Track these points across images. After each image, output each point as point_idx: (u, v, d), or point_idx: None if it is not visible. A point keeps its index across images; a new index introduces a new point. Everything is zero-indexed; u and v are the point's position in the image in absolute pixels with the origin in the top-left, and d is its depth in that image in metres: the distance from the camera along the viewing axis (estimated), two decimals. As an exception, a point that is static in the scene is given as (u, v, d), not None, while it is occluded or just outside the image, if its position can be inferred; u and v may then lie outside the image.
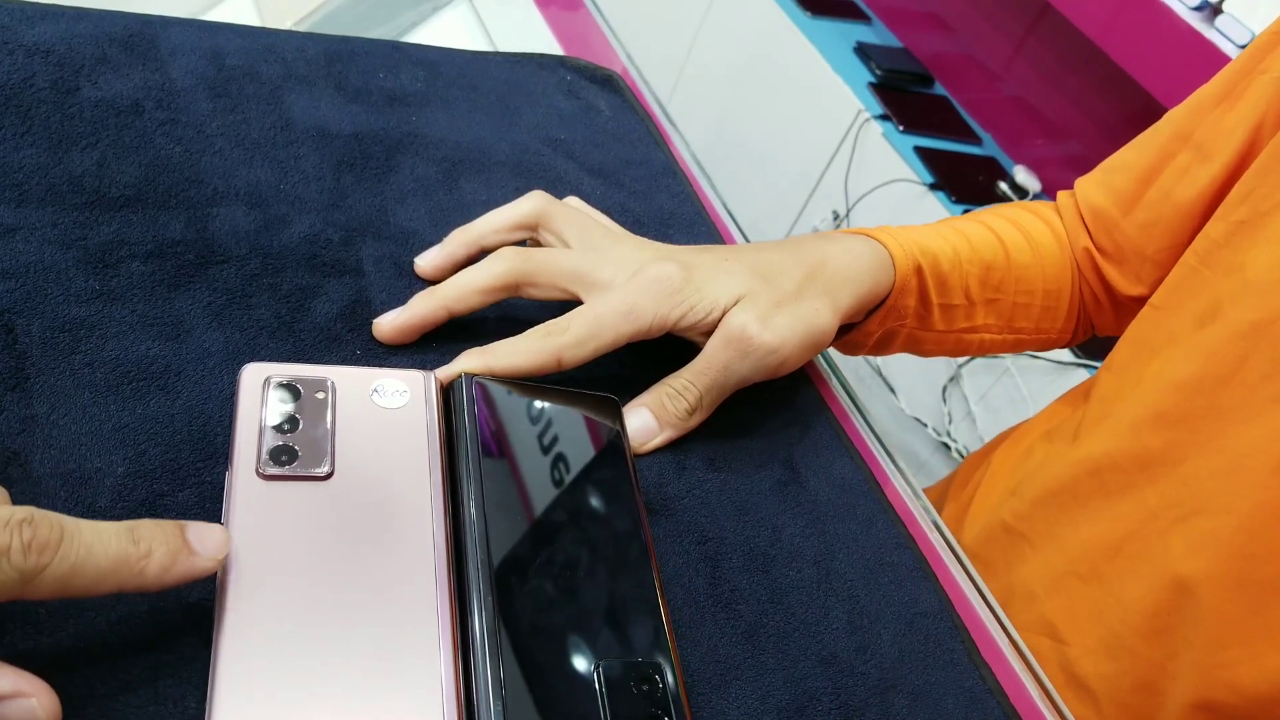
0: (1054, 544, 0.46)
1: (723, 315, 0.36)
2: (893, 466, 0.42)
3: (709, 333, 0.37)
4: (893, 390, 1.54)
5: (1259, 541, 0.38)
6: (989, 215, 0.52)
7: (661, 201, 0.49)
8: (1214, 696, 0.39)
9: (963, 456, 1.43)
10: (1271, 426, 0.38)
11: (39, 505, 0.26)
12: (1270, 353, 0.39)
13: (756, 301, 0.37)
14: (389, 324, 0.35)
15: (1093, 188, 0.52)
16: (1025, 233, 0.51)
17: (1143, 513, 0.42)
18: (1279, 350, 0.39)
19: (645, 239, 0.40)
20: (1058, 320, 0.52)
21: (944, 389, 1.45)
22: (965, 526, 0.51)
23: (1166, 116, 0.50)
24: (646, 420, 0.36)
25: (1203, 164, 0.46)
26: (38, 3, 0.41)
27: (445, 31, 0.69)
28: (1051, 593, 0.45)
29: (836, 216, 1.60)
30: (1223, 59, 1.11)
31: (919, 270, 0.45)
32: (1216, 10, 1.15)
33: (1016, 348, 0.53)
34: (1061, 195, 0.55)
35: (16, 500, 0.26)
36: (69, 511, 0.26)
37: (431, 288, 0.36)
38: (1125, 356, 0.47)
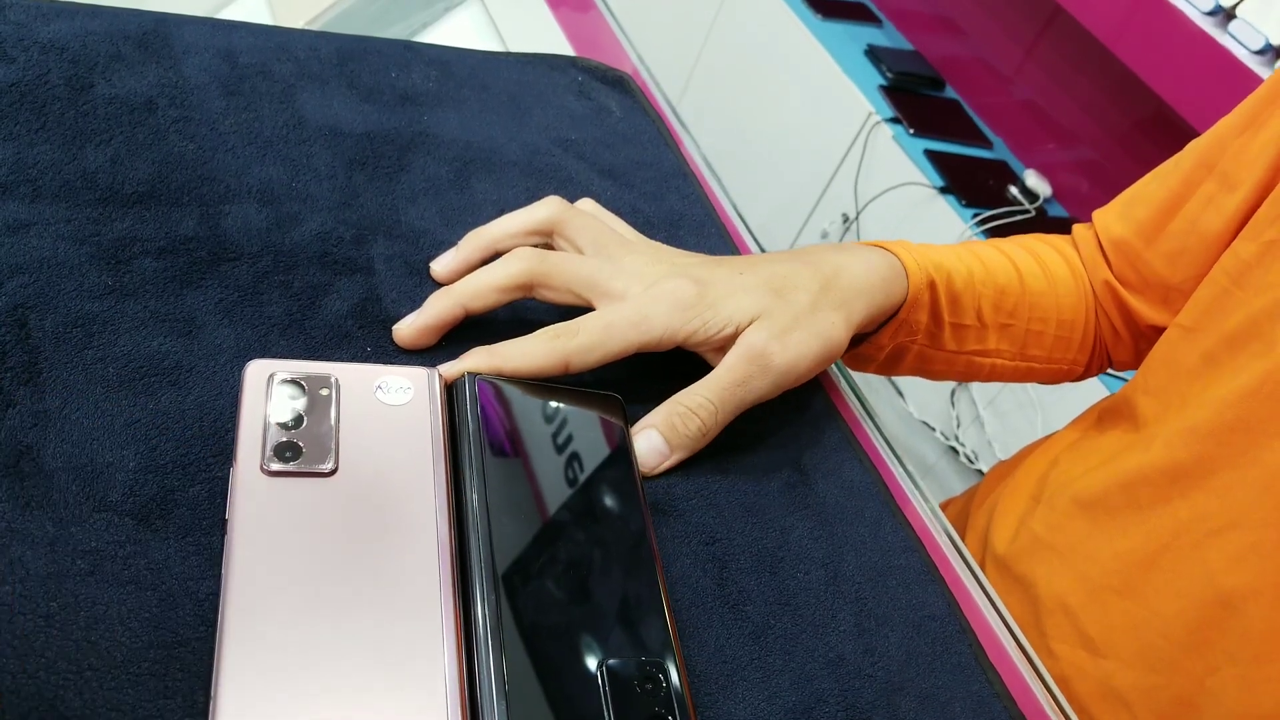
0: (1087, 557, 0.45)
1: (736, 332, 0.36)
2: (901, 470, 0.42)
3: (721, 349, 0.37)
4: (901, 394, 1.54)
5: None
6: (1005, 243, 0.52)
7: (672, 203, 0.49)
8: (1259, 711, 0.39)
9: (971, 461, 1.43)
10: None
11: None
12: None
13: (774, 319, 0.37)
14: (408, 327, 0.35)
15: (1113, 219, 0.52)
16: (1041, 262, 0.51)
17: (1175, 526, 0.42)
18: None
19: (659, 246, 0.40)
20: (1070, 351, 0.52)
21: (952, 393, 1.45)
22: (993, 535, 0.51)
23: (1188, 147, 0.50)
24: (656, 443, 0.35)
25: (1228, 193, 0.46)
26: (53, 0, 0.42)
27: (457, 31, 0.69)
28: (1086, 605, 0.45)
29: (846, 219, 1.59)
30: (1236, 64, 1.11)
31: (932, 285, 0.45)
32: (1230, 15, 1.14)
33: (1028, 377, 0.52)
34: (1078, 228, 0.55)
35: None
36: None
37: (447, 287, 0.36)
38: (1162, 379, 0.47)
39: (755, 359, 0.36)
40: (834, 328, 0.38)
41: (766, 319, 0.36)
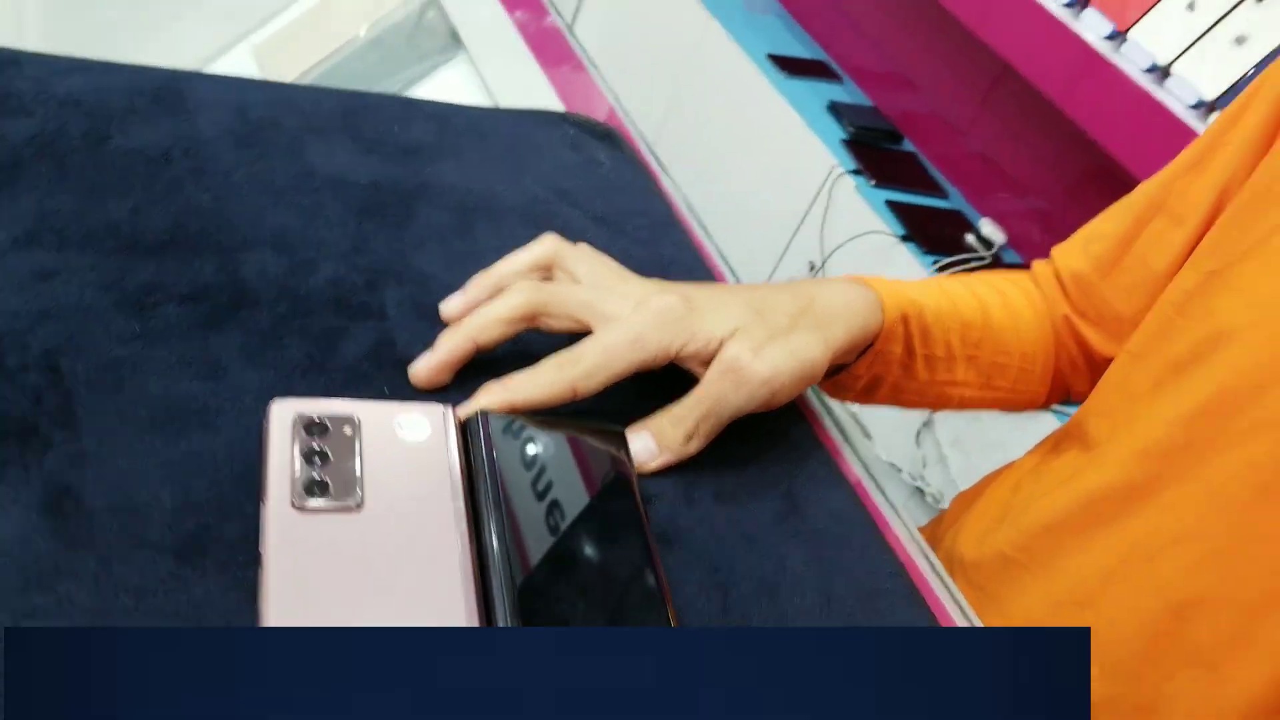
0: (1051, 574, 0.47)
1: (719, 346, 0.39)
2: (882, 497, 0.44)
3: (707, 362, 0.39)
4: (868, 435, 1.57)
5: (1246, 562, 0.41)
6: (973, 279, 0.55)
7: (663, 249, 0.51)
8: (1216, 713, 0.41)
9: (936, 501, 1.46)
10: (1247, 456, 0.41)
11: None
12: (1243, 391, 0.42)
13: (751, 334, 0.39)
14: (423, 366, 0.36)
15: (1074, 255, 0.55)
16: (1004, 298, 0.54)
17: (1130, 540, 0.45)
18: (1250, 388, 0.42)
19: (650, 278, 0.43)
20: (1032, 383, 0.55)
21: (918, 433, 1.48)
22: (957, 554, 0.53)
23: (1139, 188, 0.53)
24: (647, 443, 0.38)
25: (1175, 228, 0.49)
26: (70, 57, 0.43)
27: (445, 86, 0.72)
28: (1051, 620, 0.47)
29: (812, 267, 1.64)
30: (1171, 118, 1.18)
31: (905, 319, 0.48)
32: (1165, 73, 1.22)
33: (995, 405, 0.55)
34: (1037, 264, 0.58)
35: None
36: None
37: (455, 325, 0.38)
38: (1112, 402, 0.49)
39: (730, 372, 0.38)
40: (810, 348, 0.40)
41: (744, 333, 0.39)
